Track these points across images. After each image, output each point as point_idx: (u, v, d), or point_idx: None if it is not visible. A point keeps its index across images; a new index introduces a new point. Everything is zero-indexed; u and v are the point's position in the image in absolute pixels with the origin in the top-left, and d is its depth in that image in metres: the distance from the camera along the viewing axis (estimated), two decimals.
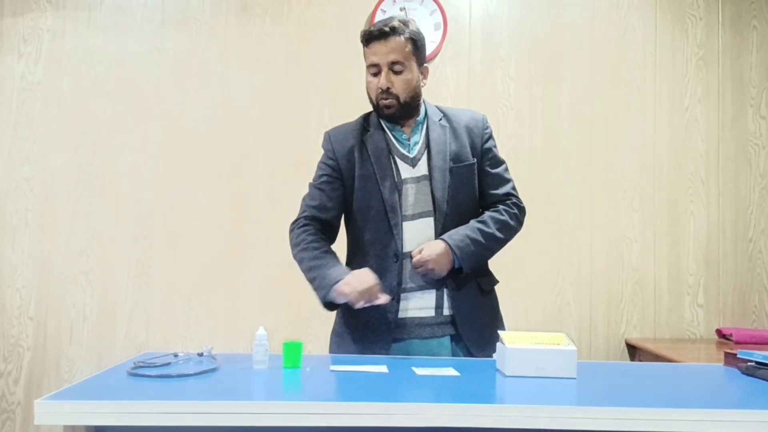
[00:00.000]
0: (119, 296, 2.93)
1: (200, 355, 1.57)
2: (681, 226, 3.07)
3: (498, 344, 1.53)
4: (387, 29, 1.74)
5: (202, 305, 2.95)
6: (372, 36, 1.75)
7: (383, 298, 1.64)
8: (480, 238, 1.74)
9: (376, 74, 1.78)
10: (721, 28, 3.14)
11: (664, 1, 3.13)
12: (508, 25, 3.10)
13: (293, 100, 3.03)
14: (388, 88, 1.76)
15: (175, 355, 1.55)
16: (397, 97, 1.77)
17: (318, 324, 2.95)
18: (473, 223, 1.78)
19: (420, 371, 1.47)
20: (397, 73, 1.76)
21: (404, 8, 3.04)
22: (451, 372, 1.47)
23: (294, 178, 2.99)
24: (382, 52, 1.75)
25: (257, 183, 3.00)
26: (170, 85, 3.01)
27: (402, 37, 1.75)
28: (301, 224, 1.85)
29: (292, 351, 1.50)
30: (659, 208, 3.07)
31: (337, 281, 1.66)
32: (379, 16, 3.02)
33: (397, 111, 1.79)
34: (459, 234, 1.74)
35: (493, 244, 1.79)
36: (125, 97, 2.99)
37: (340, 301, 1.67)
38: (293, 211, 2.95)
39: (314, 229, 1.82)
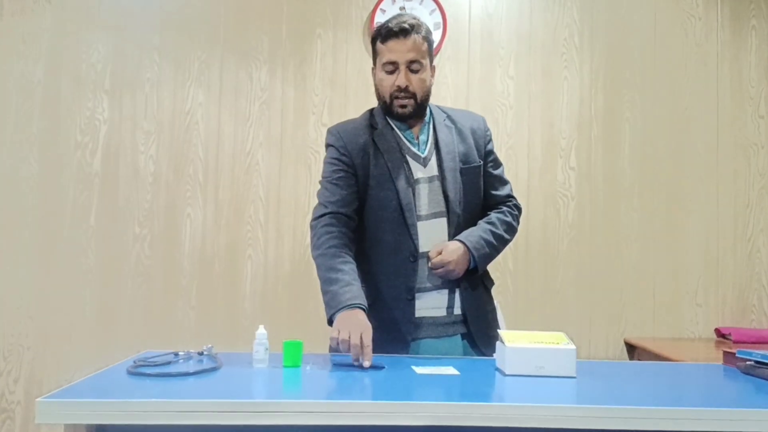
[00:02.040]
0: (119, 295, 2.93)
1: (200, 353, 1.57)
2: (680, 226, 3.08)
3: (498, 343, 1.53)
4: (407, 26, 1.72)
5: (203, 304, 2.95)
6: (390, 33, 1.73)
7: (364, 362, 1.49)
8: (492, 240, 1.77)
9: (391, 72, 1.75)
10: (720, 27, 3.14)
11: (663, 1, 3.14)
12: (508, 24, 3.11)
13: (292, 100, 3.03)
14: (406, 86, 1.74)
15: (176, 354, 1.55)
16: (414, 96, 1.75)
17: (318, 323, 2.95)
18: (483, 224, 1.80)
19: (419, 370, 1.47)
20: (414, 71, 1.74)
21: (404, 7, 3.04)
22: (451, 371, 1.48)
23: (293, 177, 3.01)
24: (401, 50, 1.72)
25: (256, 182, 3.00)
26: (169, 84, 3.01)
27: (419, 36, 1.74)
28: (323, 223, 1.74)
29: (293, 350, 1.50)
30: (658, 207, 3.08)
31: (342, 307, 1.58)
32: (379, 16, 3.02)
33: (413, 110, 1.78)
34: (474, 236, 1.75)
35: (501, 245, 1.82)
36: (124, 96, 2.99)
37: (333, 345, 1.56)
38: (293, 210, 2.99)
39: (337, 230, 1.72)
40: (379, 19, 3.03)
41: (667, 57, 3.12)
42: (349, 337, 1.48)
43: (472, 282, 1.79)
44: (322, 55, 3.05)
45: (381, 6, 3.04)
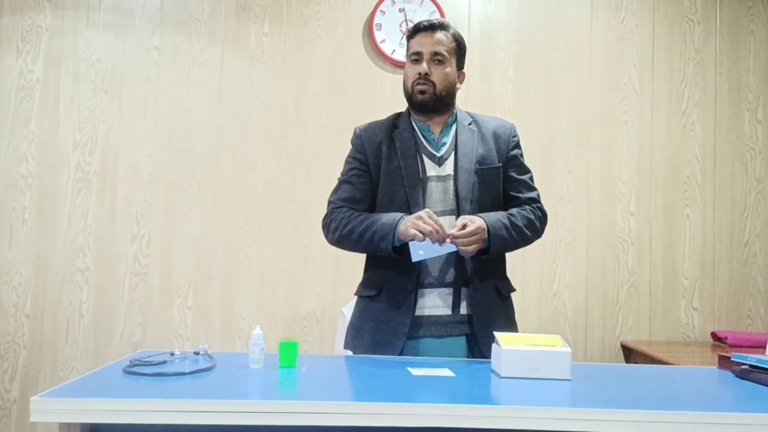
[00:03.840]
0: (116, 294, 2.93)
1: (196, 353, 1.57)
2: (677, 229, 3.09)
3: (493, 345, 1.54)
4: (435, 23, 1.84)
5: (199, 304, 2.95)
6: (419, 28, 1.83)
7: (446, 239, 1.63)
8: (510, 226, 1.75)
9: (416, 62, 1.83)
10: (719, 32, 3.15)
11: (662, 6, 3.15)
12: (507, 27, 3.11)
13: (292, 101, 3.04)
14: (426, 74, 1.80)
15: (172, 354, 1.55)
16: (434, 85, 1.80)
17: (314, 324, 2.95)
18: (502, 213, 1.79)
19: (415, 371, 1.48)
20: (436, 62, 1.81)
21: (403, 9, 3.05)
22: (447, 372, 1.48)
23: (292, 177, 3.01)
24: (427, 43, 1.81)
25: (255, 182, 3.00)
26: (169, 84, 3.01)
27: (446, 33, 1.84)
28: (338, 211, 1.82)
29: (288, 350, 1.50)
30: (655, 211, 3.09)
31: (399, 218, 1.69)
32: (378, 17, 3.03)
33: (431, 100, 1.81)
34: (493, 216, 1.74)
35: (519, 237, 1.78)
36: (123, 95, 3.00)
37: (408, 234, 1.64)
38: (291, 210, 3.00)
39: (353, 211, 1.81)
40: (379, 20, 3.04)
41: (665, 61, 3.13)
42: (426, 228, 1.62)
43: (483, 282, 1.77)
44: (321, 57, 3.06)
45: (381, 7, 3.04)
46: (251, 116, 3.03)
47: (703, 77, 3.14)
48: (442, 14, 3.05)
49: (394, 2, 3.06)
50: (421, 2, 3.06)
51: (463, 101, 3.04)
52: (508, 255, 1.89)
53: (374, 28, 3.04)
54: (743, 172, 3.12)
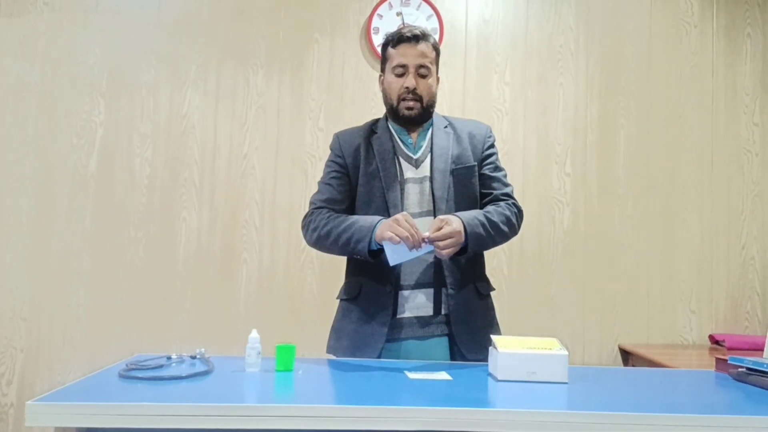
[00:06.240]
0: (113, 298, 2.92)
1: (193, 357, 1.57)
2: (674, 233, 3.09)
3: (490, 348, 1.54)
4: (419, 33, 1.82)
5: (196, 308, 2.95)
6: (402, 38, 1.82)
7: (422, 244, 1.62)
8: (486, 223, 1.75)
9: (400, 75, 1.83)
10: (716, 35, 3.16)
11: (658, 8, 3.16)
12: (504, 30, 3.12)
13: (289, 104, 3.04)
14: (414, 88, 1.81)
15: (168, 358, 1.55)
16: (420, 99, 1.83)
17: (311, 327, 2.95)
18: (478, 210, 1.80)
19: (412, 375, 1.48)
20: (422, 76, 1.82)
21: (401, 13, 3.05)
22: (444, 376, 1.48)
23: (289, 181, 3.01)
24: (412, 54, 1.81)
25: (252, 186, 3.00)
26: (166, 87, 3.01)
27: (429, 44, 1.84)
28: (317, 212, 1.83)
29: (285, 354, 1.50)
30: (652, 214, 3.09)
31: (377, 222, 1.68)
32: (376, 21, 3.04)
33: (418, 113, 1.83)
34: (469, 215, 1.74)
35: (497, 234, 1.77)
36: (121, 98, 2.99)
37: (384, 237, 1.63)
38: (288, 213, 3.00)
39: (332, 213, 1.81)
40: (377, 24, 3.04)
41: (662, 64, 3.14)
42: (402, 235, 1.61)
43: (462, 282, 1.79)
44: (319, 60, 3.06)
45: (378, 11, 3.05)
46: (248, 120, 3.03)
47: (699, 80, 3.14)
48: (439, 18, 3.05)
49: (391, 6, 3.06)
50: (419, 6, 3.06)
51: (459, 105, 3.07)
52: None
53: (371, 32, 3.04)
54: (740, 175, 3.12)
